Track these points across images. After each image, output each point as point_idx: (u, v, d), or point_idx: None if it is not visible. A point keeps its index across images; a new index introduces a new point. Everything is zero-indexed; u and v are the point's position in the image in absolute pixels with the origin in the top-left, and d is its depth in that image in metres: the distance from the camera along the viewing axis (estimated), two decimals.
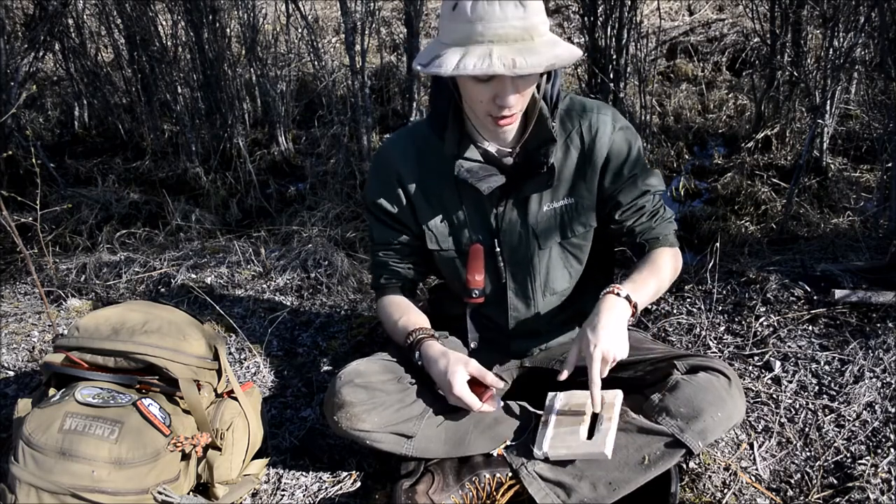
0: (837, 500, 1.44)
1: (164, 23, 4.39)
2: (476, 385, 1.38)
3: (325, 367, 2.00)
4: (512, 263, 1.49)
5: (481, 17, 1.16)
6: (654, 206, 1.49)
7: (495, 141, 1.41)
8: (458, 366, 1.35)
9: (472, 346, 1.56)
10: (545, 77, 1.38)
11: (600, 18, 3.63)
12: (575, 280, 1.55)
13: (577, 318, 1.60)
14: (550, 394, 1.45)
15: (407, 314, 1.52)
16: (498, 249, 1.47)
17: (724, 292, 2.13)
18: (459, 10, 1.18)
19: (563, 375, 1.35)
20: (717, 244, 2.24)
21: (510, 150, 1.41)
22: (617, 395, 1.36)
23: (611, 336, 1.30)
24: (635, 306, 1.36)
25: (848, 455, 1.55)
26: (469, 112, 1.38)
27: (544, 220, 1.46)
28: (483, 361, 1.40)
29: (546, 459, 1.36)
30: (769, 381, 1.78)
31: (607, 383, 1.45)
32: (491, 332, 1.58)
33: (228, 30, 4.35)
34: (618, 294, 1.36)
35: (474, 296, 1.48)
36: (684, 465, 1.54)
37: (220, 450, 1.42)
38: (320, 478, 1.59)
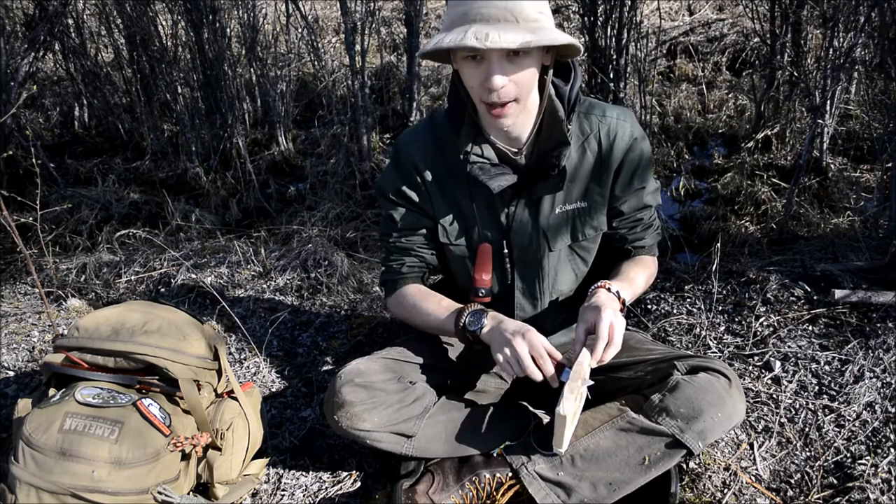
0: (837, 500, 1.44)
1: (164, 23, 4.39)
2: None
3: (325, 367, 2.00)
4: (521, 263, 1.50)
5: None
6: (650, 218, 1.54)
7: (506, 140, 1.41)
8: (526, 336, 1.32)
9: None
10: (562, 77, 1.39)
11: (600, 18, 3.64)
12: (580, 280, 1.56)
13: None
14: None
15: (445, 298, 1.50)
16: (507, 249, 1.48)
17: (724, 292, 2.13)
18: None
19: (577, 352, 1.33)
20: (718, 244, 2.24)
21: (518, 149, 1.41)
22: (584, 356, 1.32)
23: (614, 311, 1.31)
24: (623, 302, 1.39)
25: (848, 455, 1.55)
26: (478, 108, 1.37)
27: (555, 223, 1.46)
28: (485, 361, 1.40)
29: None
30: (769, 381, 1.78)
31: (607, 385, 1.45)
32: None
33: (228, 30, 4.35)
34: (608, 289, 1.38)
35: (481, 295, 1.49)
36: (684, 465, 1.54)
37: (220, 450, 1.42)
38: (320, 478, 1.59)
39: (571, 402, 1.25)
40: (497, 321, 1.37)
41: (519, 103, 1.30)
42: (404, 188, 1.48)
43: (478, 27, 1.19)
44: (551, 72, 1.37)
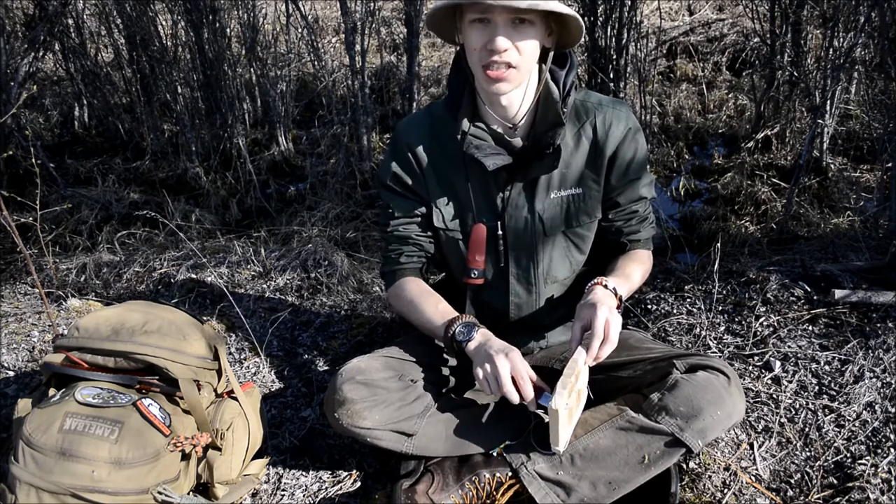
0: (837, 500, 1.44)
1: (164, 23, 4.39)
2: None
3: (325, 367, 2.00)
4: (515, 248, 1.50)
5: None
6: (645, 211, 1.55)
7: (502, 118, 1.42)
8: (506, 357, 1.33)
9: None
10: (559, 63, 1.42)
11: (600, 18, 3.64)
12: (576, 270, 1.57)
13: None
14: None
15: (442, 300, 1.50)
16: (501, 232, 1.48)
17: (724, 292, 2.13)
18: None
19: (573, 350, 1.34)
20: (718, 244, 2.24)
21: (513, 126, 1.42)
22: (579, 353, 1.33)
23: (610, 308, 1.32)
24: (620, 299, 1.40)
25: (848, 455, 1.55)
26: (477, 83, 1.40)
27: (551, 208, 1.48)
28: None
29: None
30: (769, 381, 1.78)
31: (606, 384, 1.45)
32: (490, 322, 1.58)
33: (228, 30, 4.35)
34: (605, 286, 1.39)
35: (473, 276, 1.50)
36: (684, 465, 1.54)
37: (220, 450, 1.42)
38: (320, 478, 1.59)
39: (564, 397, 1.25)
40: (485, 338, 1.38)
41: (518, 71, 1.32)
42: (399, 170, 1.50)
43: None
44: (550, 57, 1.40)
